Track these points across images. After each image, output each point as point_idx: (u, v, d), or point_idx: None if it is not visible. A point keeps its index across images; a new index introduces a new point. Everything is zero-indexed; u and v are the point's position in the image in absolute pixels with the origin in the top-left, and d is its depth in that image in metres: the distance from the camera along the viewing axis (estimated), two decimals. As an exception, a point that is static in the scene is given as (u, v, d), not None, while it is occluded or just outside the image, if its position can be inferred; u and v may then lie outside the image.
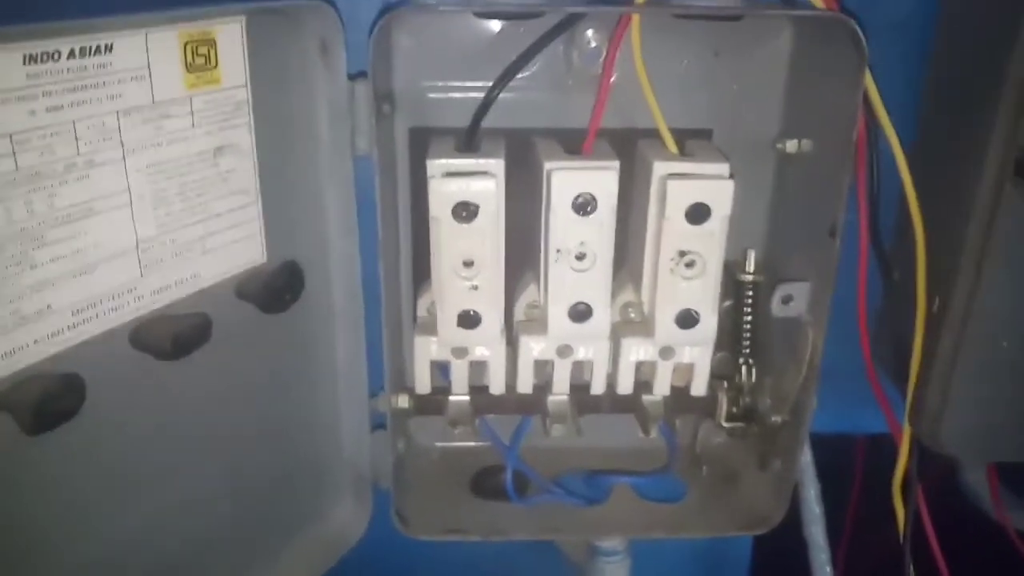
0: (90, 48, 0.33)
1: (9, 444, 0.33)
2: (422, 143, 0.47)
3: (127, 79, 0.35)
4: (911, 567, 0.52)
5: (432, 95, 0.49)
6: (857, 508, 0.71)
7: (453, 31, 0.48)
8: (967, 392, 0.48)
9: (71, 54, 0.32)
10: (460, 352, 0.48)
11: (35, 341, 0.34)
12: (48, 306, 0.34)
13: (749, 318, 0.50)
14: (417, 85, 0.49)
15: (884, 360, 0.53)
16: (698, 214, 0.44)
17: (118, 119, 0.35)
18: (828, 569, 0.53)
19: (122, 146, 0.35)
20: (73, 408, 0.34)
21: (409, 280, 0.52)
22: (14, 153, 0.31)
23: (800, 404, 0.48)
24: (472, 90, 0.48)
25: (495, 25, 0.48)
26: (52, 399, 0.33)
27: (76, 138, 0.33)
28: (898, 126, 0.45)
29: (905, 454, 0.50)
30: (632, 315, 0.49)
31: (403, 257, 0.52)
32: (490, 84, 0.46)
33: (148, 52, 0.35)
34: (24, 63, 0.31)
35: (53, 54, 0.32)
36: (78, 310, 0.35)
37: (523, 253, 0.48)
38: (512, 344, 0.49)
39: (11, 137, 0.31)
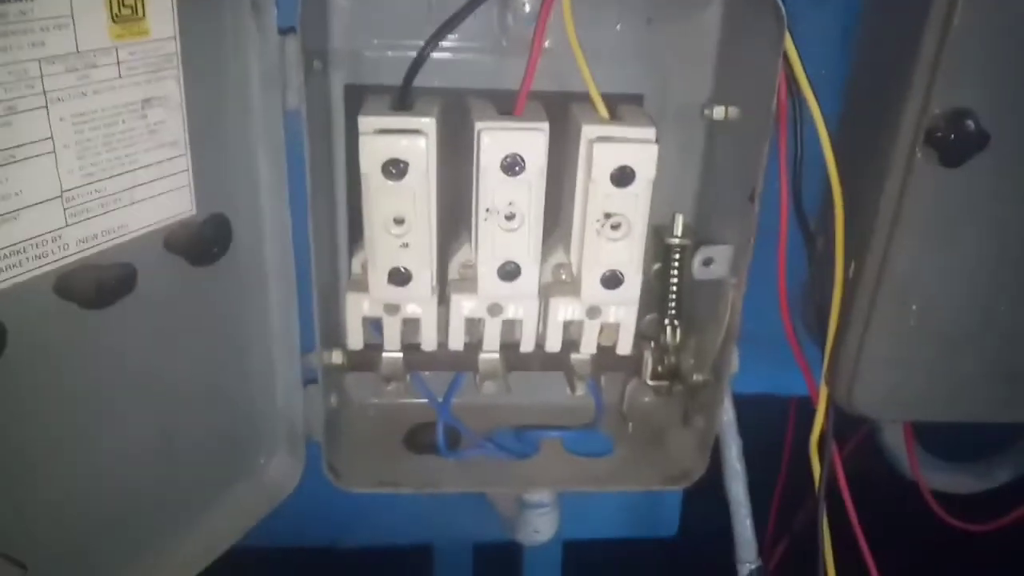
0: (10, -7, 0.33)
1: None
2: (358, 100, 0.48)
3: (49, 27, 0.35)
4: (824, 522, 0.55)
5: (368, 53, 0.50)
6: (788, 469, 0.73)
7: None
8: (880, 354, 0.50)
9: (-9, -1, 0.33)
10: (392, 309, 0.49)
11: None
12: (-32, 251, 0.34)
13: (675, 280, 0.52)
14: (354, 42, 0.49)
15: (809, 324, 0.55)
16: (623, 177, 0.45)
17: (40, 67, 0.35)
18: (748, 523, 0.56)
19: (44, 94, 0.35)
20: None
21: (345, 237, 0.53)
22: (-69, 97, 0.32)
23: (720, 364, 0.50)
24: (408, 48, 0.49)
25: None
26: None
27: (4, 84, 0.34)
28: (825, 96, 0.47)
29: (822, 414, 0.52)
30: (563, 276, 0.51)
31: (339, 214, 0.52)
32: (420, 41, 0.47)
33: (71, 0, 0.35)
34: (-61, 7, 0.31)
35: (-29, -1, 0.32)
36: (1, 256, 0.35)
37: (459, 213, 0.49)
38: (444, 302, 0.50)
39: (-69, 82, 0.31)
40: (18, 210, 0.36)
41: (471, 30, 0.49)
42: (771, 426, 0.66)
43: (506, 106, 0.48)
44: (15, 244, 0.36)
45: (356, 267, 0.51)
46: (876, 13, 0.49)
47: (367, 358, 0.51)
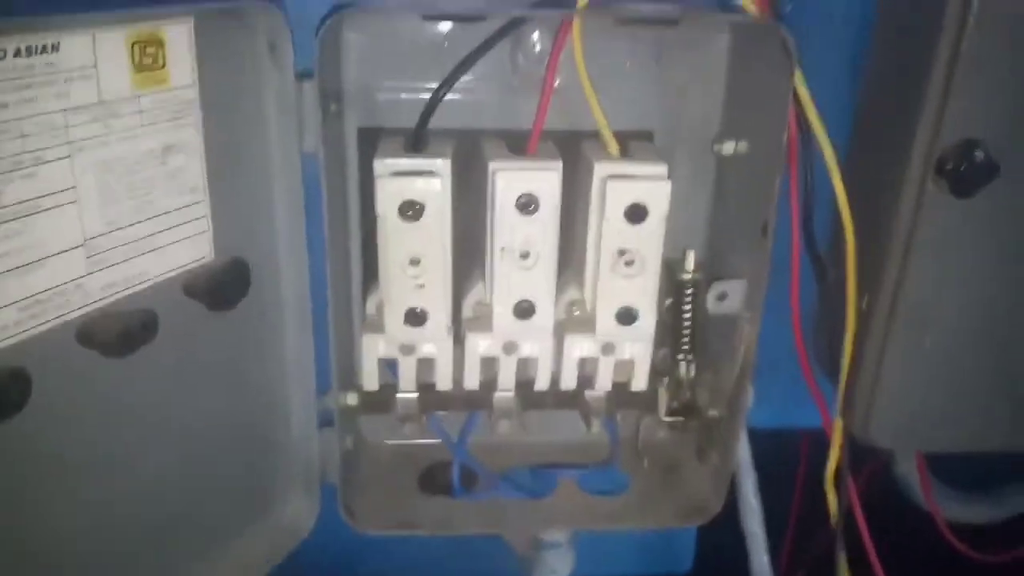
0: (36, 47, 0.33)
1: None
2: (371, 143, 0.48)
3: (74, 78, 0.35)
4: (843, 555, 0.55)
5: (381, 95, 0.50)
6: (801, 501, 0.73)
7: (402, 33, 0.49)
8: (894, 386, 0.50)
9: (17, 52, 0.33)
10: (407, 349, 0.49)
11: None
12: (-3, 302, 0.34)
13: (688, 315, 0.52)
14: (367, 85, 0.50)
15: (821, 357, 0.55)
16: (636, 214, 0.46)
17: (65, 117, 0.35)
18: (765, 558, 0.55)
19: (69, 144, 0.36)
20: (19, 402, 0.34)
21: (359, 278, 0.53)
22: (-40, 149, 0.32)
23: (735, 398, 0.50)
24: (421, 91, 0.49)
25: (443, 27, 0.49)
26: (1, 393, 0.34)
27: (22, 135, 0.34)
28: (834, 129, 0.47)
29: (837, 447, 0.53)
30: (576, 312, 0.51)
31: (352, 256, 0.53)
32: (432, 83, 0.47)
33: (95, 51, 0.36)
34: (-30, 61, 0.31)
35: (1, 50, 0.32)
36: (25, 306, 0.35)
37: (471, 252, 0.50)
38: (459, 341, 0.50)
39: (-41, 135, 0.32)
40: (42, 259, 0.36)
41: (482, 70, 0.50)
42: (782, 459, 0.66)
43: (518, 144, 0.48)
44: (38, 293, 0.36)
45: (370, 308, 0.51)
46: (885, 44, 0.50)
47: (382, 399, 0.51)
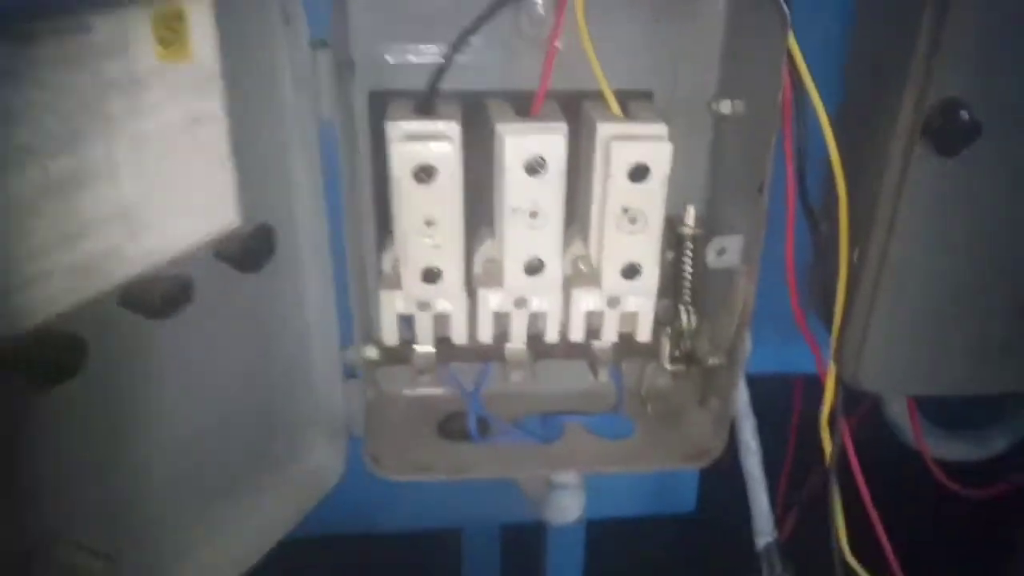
0: (69, 27, 0.35)
1: (18, 399, 0.36)
2: (380, 106, 0.50)
3: (105, 56, 0.37)
4: (836, 494, 0.58)
5: (389, 59, 0.52)
6: (796, 442, 0.76)
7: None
8: (883, 333, 0.53)
9: (51, 32, 0.35)
10: (424, 306, 0.52)
11: (37, 302, 0.36)
12: (46, 270, 0.37)
13: (689, 269, 0.54)
14: (374, 50, 0.51)
15: (815, 306, 0.57)
16: (639, 174, 0.48)
17: (99, 93, 0.37)
18: (764, 497, 0.59)
19: (103, 119, 0.38)
20: (76, 365, 0.37)
21: (373, 237, 0.55)
22: (8, 129, 0.34)
23: (734, 347, 0.53)
24: (427, 54, 0.51)
25: (450, -6, 0.51)
26: (57, 357, 0.36)
27: (60, 113, 0.36)
28: (827, 88, 0.49)
29: (831, 391, 0.55)
30: (582, 267, 0.53)
31: (365, 215, 0.55)
32: (444, 47, 0.49)
33: (125, 29, 0.38)
34: (9, 44, 0.33)
35: (34, 33, 0.34)
36: (72, 274, 0.38)
37: (479, 209, 0.52)
38: (471, 296, 0.52)
39: (4, 114, 0.34)
40: (86, 230, 0.38)
41: (486, 33, 0.51)
42: (778, 403, 0.69)
43: (522, 105, 0.50)
44: (84, 261, 0.38)
45: (386, 266, 0.54)
46: (873, 6, 0.52)
47: (400, 352, 0.54)
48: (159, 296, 0.39)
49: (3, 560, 0.38)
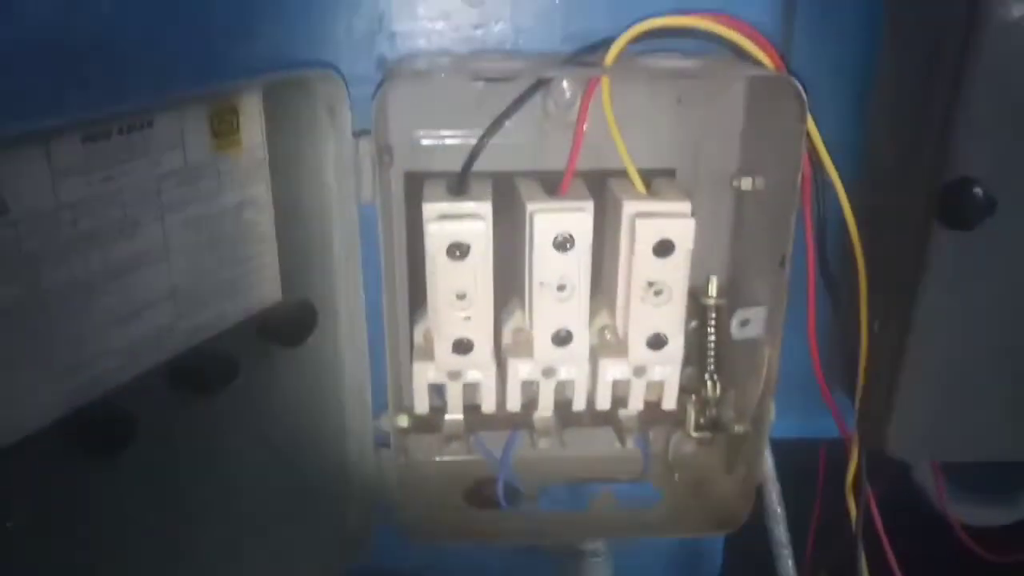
0: (136, 124, 0.38)
1: (72, 472, 0.38)
2: (416, 185, 0.53)
3: (165, 148, 0.40)
4: (863, 560, 0.58)
5: (424, 142, 0.54)
6: (821, 508, 0.77)
7: (444, 89, 0.53)
8: (907, 401, 0.53)
9: (120, 131, 0.38)
10: (455, 375, 0.53)
11: (92, 379, 0.39)
12: (102, 349, 0.39)
13: (713, 338, 0.56)
14: (410, 133, 0.54)
15: (838, 374, 0.58)
16: (663, 249, 0.50)
17: (158, 183, 0.40)
18: (790, 563, 0.59)
19: (160, 207, 0.40)
20: (125, 439, 0.39)
21: (405, 310, 0.57)
22: (75, 219, 0.36)
23: (759, 416, 0.54)
24: (459, 137, 0.54)
25: (480, 82, 0.54)
26: (109, 430, 0.38)
27: (124, 202, 0.39)
28: (844, 165, 0.51)
29: (855, 458, 0.56)
30: (608, 336, 0.55)
31: (399, 289, 0.57)
32: (475, 131, 0.52)
33: (182, 124, 0.40)
34: (83, 142, 0.36)
35: (106, 132, 0.37)
36: (127, 351, 0.40)
37: (508, 282, 0.54)
38: (501, 366, 0.54)
39: (72, 206, 0.36)
40: (140, 309, 0.40)
41: (516, 116, 0.53)
42: (802, 468, 0.69)
43: (550, 184, 0.52)
44: (136, 339, 0.40)
45: (417, 337, 0.55)
46: (888, 85, 0.54)
47: (430, 421, 0.56)
48: (207, 374, 0.41)
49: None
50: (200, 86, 0.40)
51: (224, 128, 0.43)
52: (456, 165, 0.52)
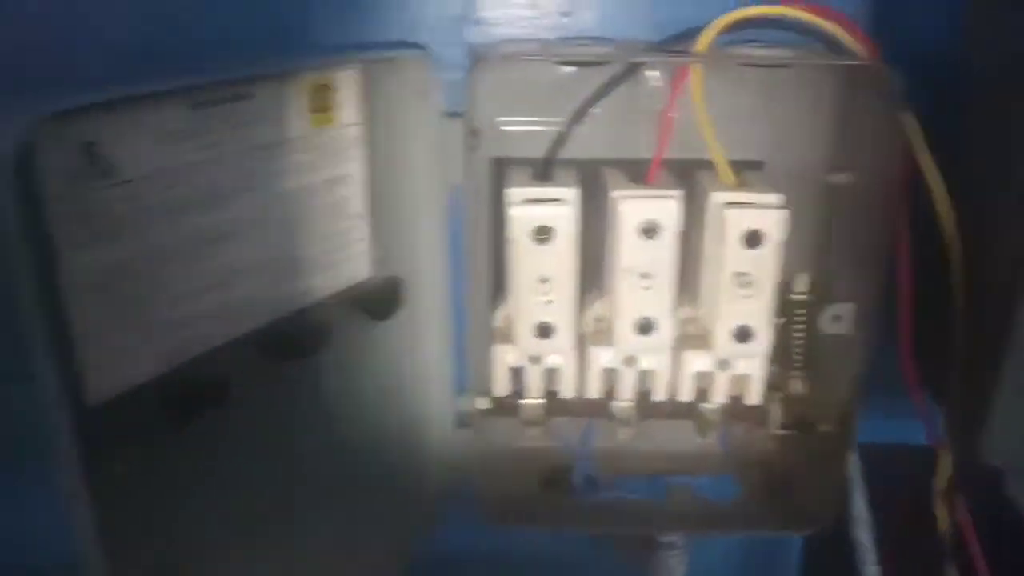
0: (239, 95, 0.40)
1: (162, 434, 0.40)
2: (500, 171, 0.53)
3: (264, 120, 0.41)
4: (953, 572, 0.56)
5: (507, 128, 0.54)
6: (900, 517, 0.74)
7: (528, 73, 0.53)
8: (1005, 406, 0.51)
9: (224, 99, 0.39)
10: (535, 359, 0.54)
11: (185, 342, 0.40)
12: (198, 312, 0.40)
13: (800, 334, 0.55)
14: (495, 119, 0.54)
15: (929, 377, 0.56)
16: (753, 240, 0.49)
17: (256, 154, 0.41)
18: (874, 568, 0.57)
19: (259, 176, 0.42)
20: (217, 401, 0.40)
21: (485, 294, 0.58)
22: (180, 183, 0.38)
23: (847, 415, 0.53)
24: (542, 124, 0.54)
25: (567, 68, 0.54)
26: (201, 393, 0.40)
27: (225, 170, 0.40)
28: (941, 157, 0.49)
29: (946, 464, 0.54)
30: (692, 328, 0.54)
31: (481, 273, 0.57)
32: (558, 118, 0.52)
33: (281, 98, 0.42)
34: (191, 109, 0.38)
35: (212, 100, 0.38)
36: (221, 316, 0.41)
37: (590, 269, 0.53)
38: (581, 352, 0.54)
39: (178, 170, 0.38)
40: (234, 276, 0.42)
41: (602, 104, 0.54)
42: (882, 474, 0.67)
43: (634, 173, 0.52)
44: (230, 306, 0.42)
45: (497, 321, 0.56)
46: (976, 59, 0.52)
47: (509, 404, 0.56)
48: (297, 341, 0.42)
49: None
50: (300, 62, 0.41)
51: (321, 105, 0.44)
52: (538, 153, 0.52)
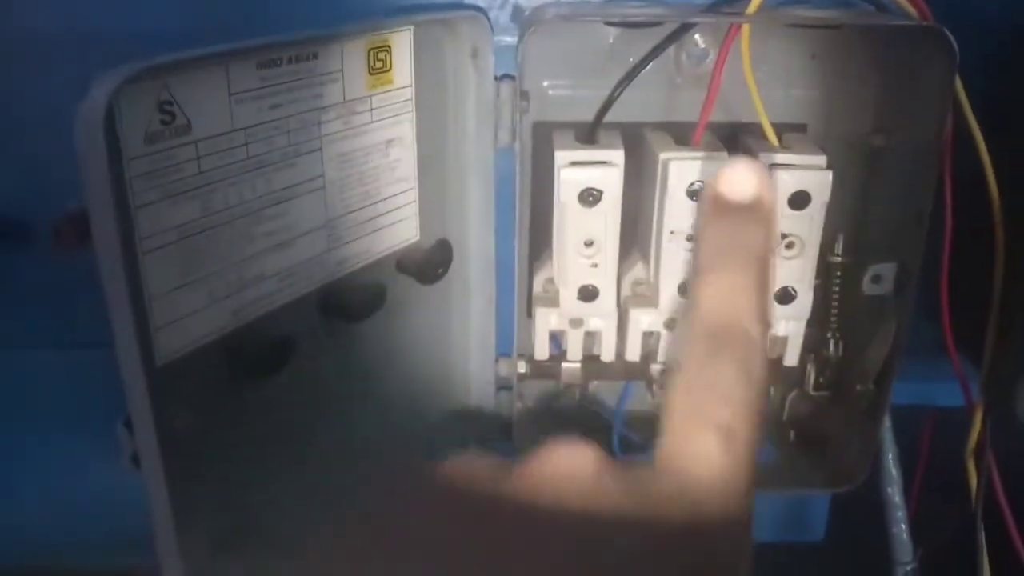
0: (303, 55, 0.39)
1: (228, 392, 0.40)
2: (544, 135, 0.53)
3: (326, 81, 0.41)
4: (983, 533, 0.57)
5: (553, 92, 0.55)
6: (923, 479, 0.75)
7: (577, 36, 0.53)
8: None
9: (288, 60, 0.39)
10: (577, 323, 0.54)
11: (252, 302, 0.40)
12: (261, 273, 0.40)
13: (837, 297, 0.55)
14: (540, 83, 0.54)
15: (965, 338, 0.57)
16: (799, 201, 0.49)
17: (319, 115, 0.41)
18: (904, 525, 0.59)
19: (320, 138, 0.42)
20: (283, 360, 0.40)
21: (526, 258, 0.58)
22: (247, 143, 0.38)
23: (884, 375, 0.53)
24: (586, 87, 0.54)
25: (612, 31, 0.54)
26: (267, 351, 0.40)
27: (288, 130, 0.40)
28: (986, 118, 0.50)
29: (978, 423, 0.55)
30: (730, 292, 0.55)
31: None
32: (602, 81, 0.52)
33: (343, 59, 0.41)
34: (257, 69, 0.37)
35: (277, 60, 0.38)
36: (283, 277, 0.42)
37: (628, 234, 0.54)
38: (621, 316, 0.54)
39: (245, 130, 0.38)
40: (295, 237, 0.42)
41: (647, 68, 0.54)
42: (907, 434, 0.68)
43: (679, 136, 0.52)
44: (292, 267, 0.42)
45: (537, 287, 0.56)
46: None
47: (549, 367, 0.56)
48: (358, 301, 0.43)
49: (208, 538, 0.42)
50: (360, 22, 0.41)
51: (379, 66, 0.44)
52: (579, 116, 0.52)
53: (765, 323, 0.29)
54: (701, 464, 0.26)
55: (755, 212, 0.30)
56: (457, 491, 0.26)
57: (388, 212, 0.46)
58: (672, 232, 0.50)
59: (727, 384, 0.27)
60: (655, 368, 0.56)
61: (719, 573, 0.25)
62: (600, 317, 0.54)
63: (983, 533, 0.57)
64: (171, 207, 0.36)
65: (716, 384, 0.27)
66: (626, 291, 0.55)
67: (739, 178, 0.31)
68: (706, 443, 0.27)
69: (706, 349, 0.28)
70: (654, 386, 0.56)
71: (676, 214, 0.50)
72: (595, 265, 0.51)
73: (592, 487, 0.25)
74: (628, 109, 0.54)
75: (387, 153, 0.45)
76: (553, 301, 0.53)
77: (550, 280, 0.54)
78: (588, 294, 0.52)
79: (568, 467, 0.26)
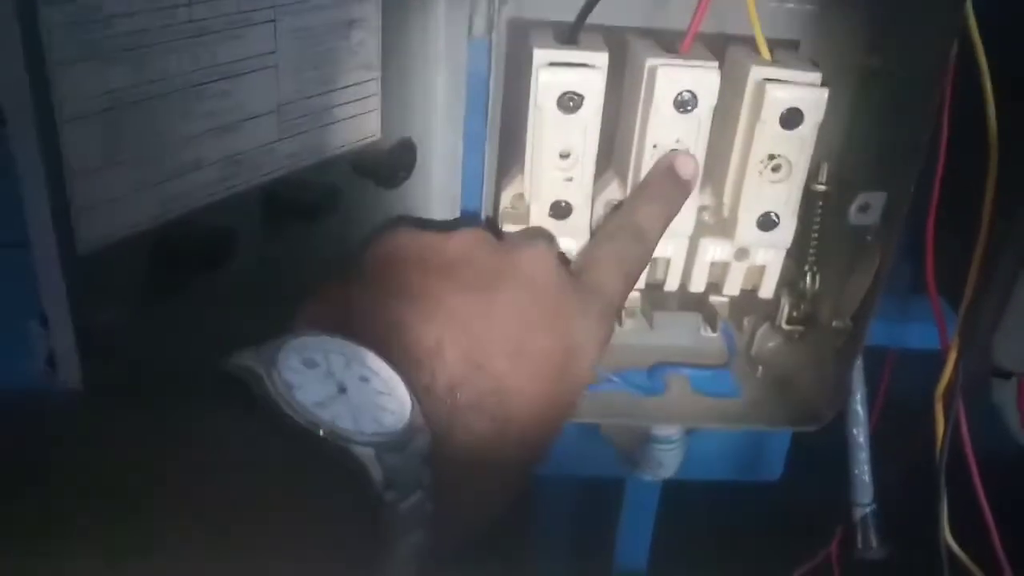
0: (256, -90, 0.34)
1: (156, 290, 0.36)
2: (520, 33, 0.49)
3: (284, -57, 0.36)
4: (943, 476, 0.56)
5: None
6: (877, 421, 0.74)
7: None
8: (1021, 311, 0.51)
9: (239, -86, 0.34)
10: (546, 241, 0.50)
11: (189, 190, 0.36)
12: (201, 158, 0.36)
13: (817, 227, 0.53)
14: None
15: (946, 280, 0.55)
16: (792, 119, 0.46)
17: (274, -19, 0.36)
18: (867, 467, 0.57)
19: (273, 8, 0.37)
20: (225, 255, 0.36)
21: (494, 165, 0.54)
22: (190, 4, 0.33)
23: (863, 311, 0.51)
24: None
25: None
26: (203, 246, 0.35)
27: (239, -5, 0.35)
28: (990, 49, 0.47)
29: (951, 365, 0.54)
30: (707, 218, 0.52)
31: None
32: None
33: (304, -81, 0.36)
34: (201, -84, 0.32)
35: (225, -90, 0.33)
36: (225, 165, 0.37)
37: (605, 151, 0.50)
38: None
39: (189, -11, 0.33)
40: (241, 121, 0.37)
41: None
42: (882, 376, 0.66)
43: (665, 43, 0.48)
44: (236, 154, 0.37)
45: (505, 201, 0.52)
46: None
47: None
48: (310, 200, 0.38)
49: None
50: None
51: (340, -67, 0.38)
52: (560, 15, 0.48)
53: (655, 235, 0.46)
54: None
55: (684, 188, 0.47)
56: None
57: (347, 103, 0.42)
58: (655, 146, 0.47)
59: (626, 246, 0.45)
60: (624, 294, 0.53)
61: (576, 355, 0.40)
62: (572, 236, 0.50)
63: (944, 475, 0.56)
64: (97, 69, 0.31)
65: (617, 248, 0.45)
66: (599, 212, 0.52)
67: (691, 163, 0.47)
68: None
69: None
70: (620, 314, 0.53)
71: (660, 126, 0.46)
72: (570, 179, 0.48)
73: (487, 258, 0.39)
74: (612, 11, 0.50)
75: (348, 35, 0.40)
76: (522, 218, 0.49)
77: (519, 196, 0.51)
78: (561, 211, 0.48)
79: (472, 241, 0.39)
